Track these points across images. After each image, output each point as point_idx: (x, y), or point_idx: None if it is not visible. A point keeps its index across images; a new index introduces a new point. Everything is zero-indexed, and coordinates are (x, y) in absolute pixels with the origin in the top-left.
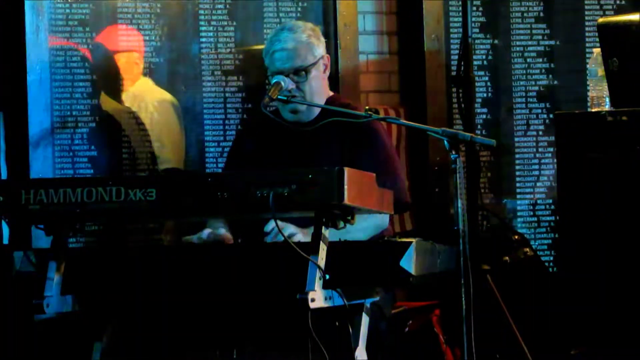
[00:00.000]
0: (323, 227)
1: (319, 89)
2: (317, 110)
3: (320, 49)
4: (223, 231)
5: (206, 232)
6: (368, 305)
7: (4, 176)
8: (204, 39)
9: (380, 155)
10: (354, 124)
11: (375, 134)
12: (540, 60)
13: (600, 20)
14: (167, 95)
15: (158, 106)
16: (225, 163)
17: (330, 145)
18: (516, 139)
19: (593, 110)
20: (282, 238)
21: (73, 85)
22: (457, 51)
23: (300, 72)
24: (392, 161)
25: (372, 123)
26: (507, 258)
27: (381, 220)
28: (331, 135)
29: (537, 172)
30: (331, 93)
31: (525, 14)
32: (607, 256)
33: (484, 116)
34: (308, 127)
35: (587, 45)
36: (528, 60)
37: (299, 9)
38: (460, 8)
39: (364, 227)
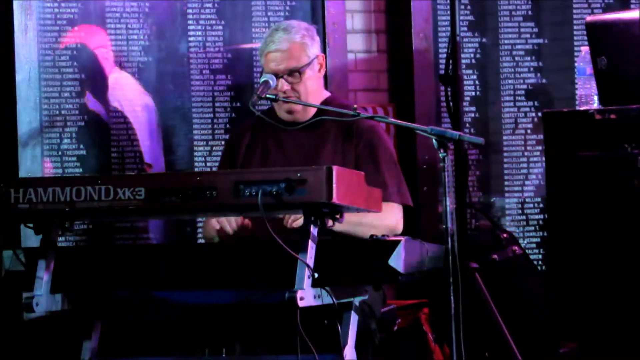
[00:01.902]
0: (312, 225)
1: (314, 89)
2: (313, 111)
3: (314, 48)
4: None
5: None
6: (357, 303)
7: None
8: (192, 38)
9: (378, 159)
10: (355, 126)
11: (378, 138)
12: (529, 58)
13: (589, 18)
14: (143, 95)
15: (136, 105)
16: (219, 164)
17: (331, 147)
18: (504, 137)
19: (581, 108)
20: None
21: (62, 84)
22: (445, 49)
23: (294, 73)
24: (390, 164)
25: (374, 126)
26: (495, 256)
27: (394, 223)
28: (331, 137)
29: (525, 171)
30: (328, 93)
31: (513, 12)
32: (596, 254)
33: (473, 114)
34: (298, 128)
35: (576, 43)
36: (516, 58)
37: (287, 8)
38: (449, 6)
39: (376, 225)
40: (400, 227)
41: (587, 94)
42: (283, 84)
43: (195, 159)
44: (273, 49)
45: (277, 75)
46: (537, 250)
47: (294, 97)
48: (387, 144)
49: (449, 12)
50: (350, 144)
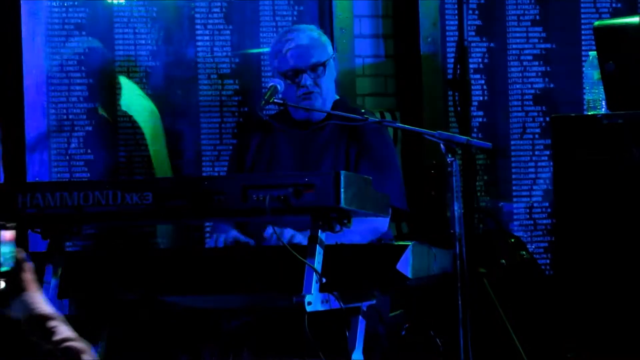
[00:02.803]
0: (319, 230)
1: (331, 87)
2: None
3: (329, 47)
4: (235, 233)
5: (222, 238)
6: (365, 308)
7: (1, 180)
8: (200, 43)
9: (379, 161)
10: (361, 128)
11: (377, 139)
12: (536, 63)
13: (597, 23)
14: (145, 101)
15: (138, 111)
16: (228, 166)
17: (334, 149)
18: (512, 142)
19: (589, 113)
20: (280, 242)
21: (69, 89)
22: (453, 54)
23: (317, 68)
24: (391, 168)
25: (378, 128)
26: (503, 261)
27: (380, 225)
28: (336, 139)
29: (533, 175)
30: (337, 97)
31: (521, 17)
32: (604, 259)
33: (480, 119)
34: (307, 131)
35: (583, 48)
36: (524, 63)
37: (295, 13)
38: (456, 11)
39: (361, 230)
40: (385, 228)
41: (595, 99)
42: (307, 79)
43: (203, 163)
44: (293, 46)
45: (300, 71)
46: (544, 255)
47: (316, 92)
48: (389, 146)
49: (456, 17)
50: (354, 145)
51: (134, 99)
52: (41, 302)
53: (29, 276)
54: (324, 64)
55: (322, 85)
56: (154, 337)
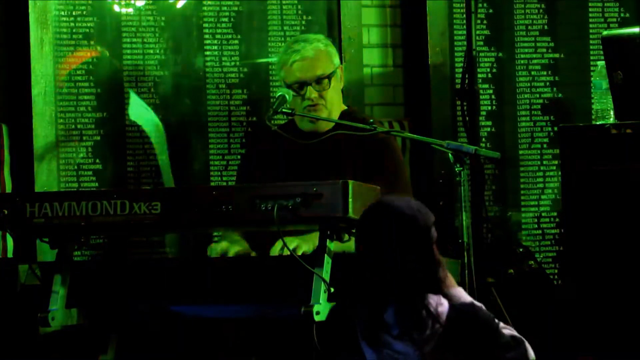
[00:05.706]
0: (328, 240)
1: (337, 99)
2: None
3: (336, 58)
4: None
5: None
6: None
7: (9, 189)
8: (208, 52)
9: (387, 172)
10: (368, 137)
11: (387, 150)
12: (545, 73)
13: (605, 33)
14: (150, 114)
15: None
16: (237, 174)
17: (342, 160)
18: (521, 152)
19: (597, 123)
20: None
21: (78, 98)
22: (461, 64)
23: (322, 81)
24: (399, 179)
25: (386, 138)
26: (511, 271)
27: None
28: (344, 149)
29: (541, 185)
30: (345, 107)
31: (529, 27)
32: (612, 268)
33: (489, 129)
34: (314, 141)
35: (592, 58)
36: (532, 73)
37: (304, 22)
38: (465, 21)
39: None
40: None
41: (603, 109)
42: (311, 92)
43: (212, 173)
44: (298, 58)
45: (305, 84)
46: (552, 265)
47: (321, 105)
48: (397, 157)
49: (465, 27)
50: (362, 155)
51: (140, 112)
52: (463, 294)
53: (445, 273)
54: (329, 76)
55: (327, 97)
56: (162, 346)
